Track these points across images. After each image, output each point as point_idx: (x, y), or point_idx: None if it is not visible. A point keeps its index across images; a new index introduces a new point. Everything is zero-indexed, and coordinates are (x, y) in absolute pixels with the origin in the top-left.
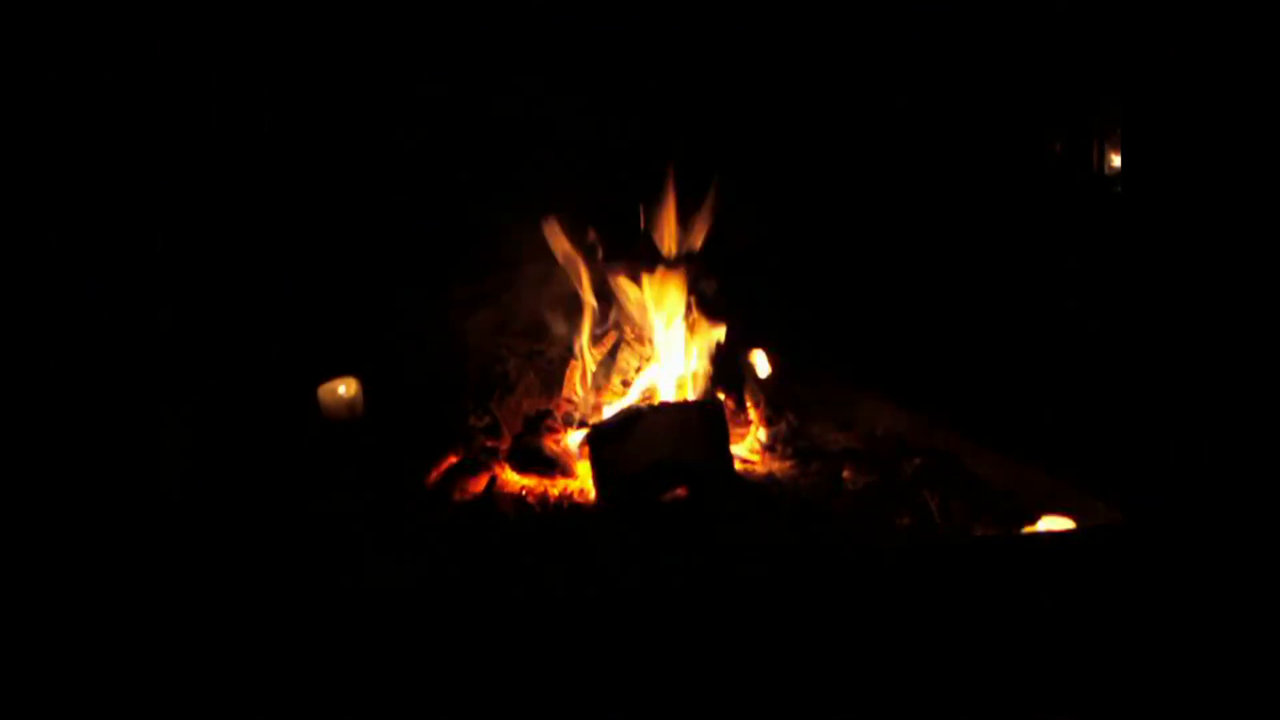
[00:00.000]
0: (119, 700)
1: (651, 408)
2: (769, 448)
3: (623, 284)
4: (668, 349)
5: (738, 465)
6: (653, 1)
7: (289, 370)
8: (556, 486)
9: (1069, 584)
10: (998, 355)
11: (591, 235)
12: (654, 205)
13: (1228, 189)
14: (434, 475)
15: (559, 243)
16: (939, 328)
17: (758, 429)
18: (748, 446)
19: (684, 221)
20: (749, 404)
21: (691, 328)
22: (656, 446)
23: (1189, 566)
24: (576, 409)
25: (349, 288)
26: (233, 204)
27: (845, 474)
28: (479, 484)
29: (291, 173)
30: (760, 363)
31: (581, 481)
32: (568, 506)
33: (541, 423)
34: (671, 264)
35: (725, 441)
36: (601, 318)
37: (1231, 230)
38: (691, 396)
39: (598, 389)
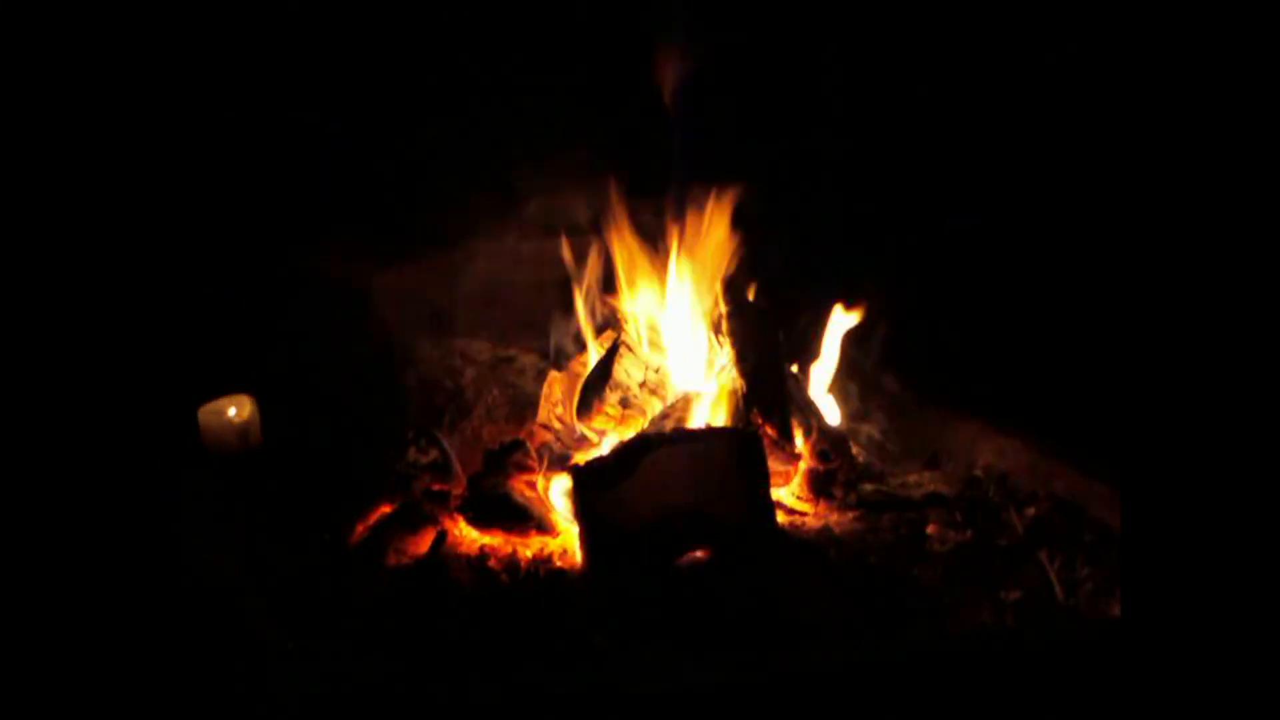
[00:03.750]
0: None
1: (662, 437)
2: (825, 493)
3: (624, 264)
4: (685, 356)
5: (781, 517)
6: None
7: (160, 387)
8: (530, 546)
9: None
10: (1140, 371)
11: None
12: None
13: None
14: (360, 530)
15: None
16: (1060, 332)
17: (809, 466)
18: (795, 491)
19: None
20: (796, 432)
21: (719, 327)
22: (669, 491)
23: None
24: (558, 439)
25: (238, 272)
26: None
27: (931, 529)
28: (422, 542)
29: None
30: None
31: (565, 540)
32: (545, 574)
33: (509, 458)
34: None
35: (764, 484)
36: (596, 311)
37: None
38: (718, 422)
39: (587, 411)
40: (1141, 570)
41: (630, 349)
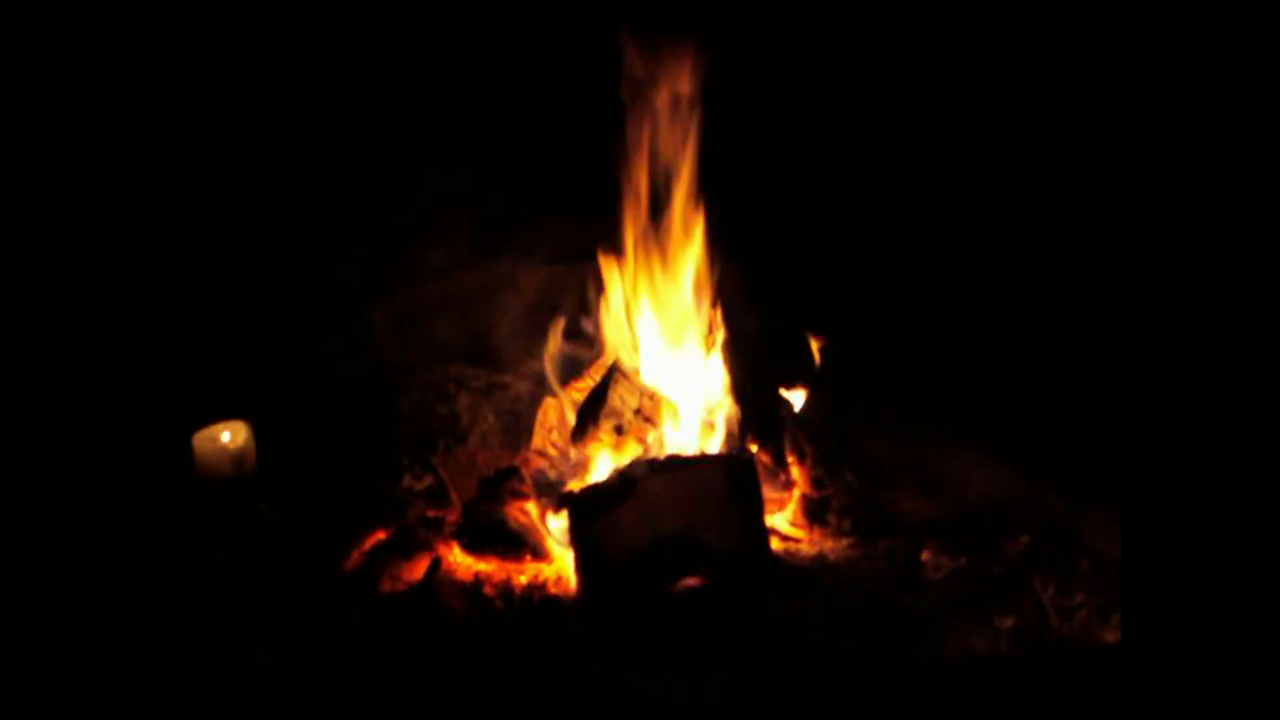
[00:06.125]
0: None
1: (657, 464)
2: (819, 520)
3: (618, 290)
4: (679, 382)
5: (775, 544)
6: None
7: (154, 413)
8: (524, 573)
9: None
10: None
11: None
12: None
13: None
14: (355, 556)
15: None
16: (1054, 359)
17: (803, 492)
18: (789, 517)
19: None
20: (791, 458)
21: (713, 351)
22: (663, 518)
23: None
24: (552, 466)
25: (236, 299)
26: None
27: (925, 556)
28: (417, 569)
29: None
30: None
31: (559, 566)
32: (540, 601)
33: (504, 485)
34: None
35: (758, 511)
36: (588, 338)
37: None
38: (712, 448)
39: (583, 437)
40: (1141, 596)
41: (625, 375)
